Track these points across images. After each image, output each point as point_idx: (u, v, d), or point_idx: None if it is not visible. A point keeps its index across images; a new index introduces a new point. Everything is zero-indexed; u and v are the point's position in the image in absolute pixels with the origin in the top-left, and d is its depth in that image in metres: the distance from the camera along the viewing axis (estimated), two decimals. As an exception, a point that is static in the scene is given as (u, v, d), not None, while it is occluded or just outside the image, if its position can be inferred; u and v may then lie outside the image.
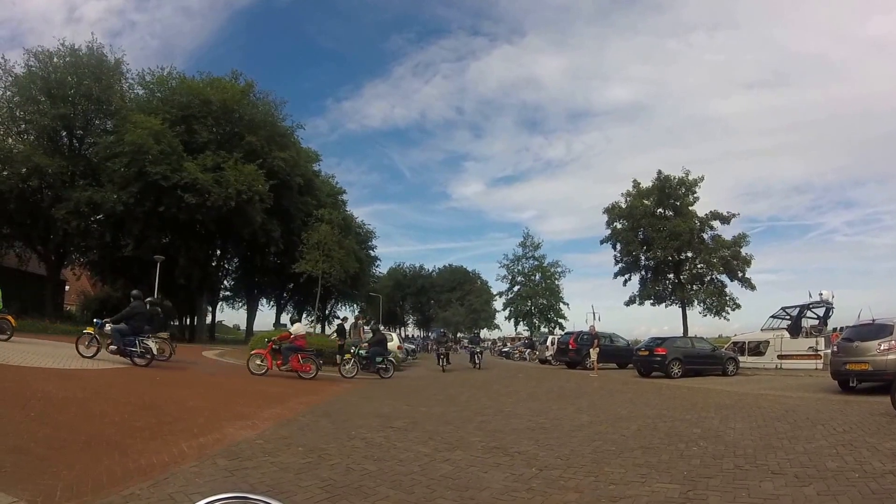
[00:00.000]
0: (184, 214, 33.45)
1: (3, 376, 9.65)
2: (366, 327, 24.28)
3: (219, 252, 43.68)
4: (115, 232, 34.32)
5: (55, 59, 33.42)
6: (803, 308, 25.97)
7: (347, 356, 18.47)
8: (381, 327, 27.74)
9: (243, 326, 47.99)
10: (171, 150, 33.22)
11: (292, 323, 19.49)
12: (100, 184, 33.02)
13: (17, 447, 5.37)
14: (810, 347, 23.51)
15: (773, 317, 27.37)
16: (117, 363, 13.76)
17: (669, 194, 43.56)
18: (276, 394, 11.91)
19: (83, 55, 34.22)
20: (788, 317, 26.25)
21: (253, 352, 16.68)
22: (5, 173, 31.29)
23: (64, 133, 35.30)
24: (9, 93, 33.05)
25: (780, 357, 24.24)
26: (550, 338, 37.37)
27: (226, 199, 33.12)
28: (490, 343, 65.22)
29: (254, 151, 36.63)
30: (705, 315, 44.04)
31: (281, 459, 6.20)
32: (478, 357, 27.92)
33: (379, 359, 18.36)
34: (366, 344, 19.05)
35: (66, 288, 43.57)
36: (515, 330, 64.32)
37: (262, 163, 35.96)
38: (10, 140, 33.16)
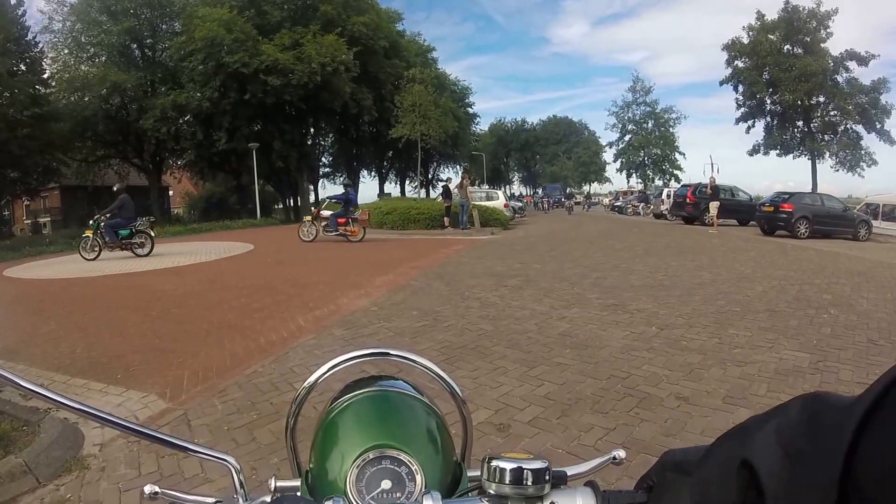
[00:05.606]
0: (270, 98, 33.33)
1: (120, 284, 10.11)
2: (471, 187, 23.39)
3: (312, 130, 43.64)
4: (206, 129, 34.83)
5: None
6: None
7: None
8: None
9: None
10: (245, 36, 32.63)
11: None
12: (180, 85, 33.44)
13: (142, 346, 5.57)
14: None
15: None
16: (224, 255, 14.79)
17: (798, 28, 37.74)
18: (387, 260, 12.03)
19: (132, -36, 33.81)
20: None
21: None
22: (86, 99, 32.51)
23: (134, 45, 35.72)
24: (68, 23, 33.68)
25: None
26: (666, 191, 35.51)
27: (310, 74, 32.59)
28: (584, 198, 62.89)
29: (331, 21, 35.29)
30: (837, 170, 39.70)
31: (396, 325, 6.18)
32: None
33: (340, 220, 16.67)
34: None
35: (171, 193, 45.92)
36: (627, 183, 61.29)
37: (340, 31, 34.66)
38: (84, 67, 34.08)
